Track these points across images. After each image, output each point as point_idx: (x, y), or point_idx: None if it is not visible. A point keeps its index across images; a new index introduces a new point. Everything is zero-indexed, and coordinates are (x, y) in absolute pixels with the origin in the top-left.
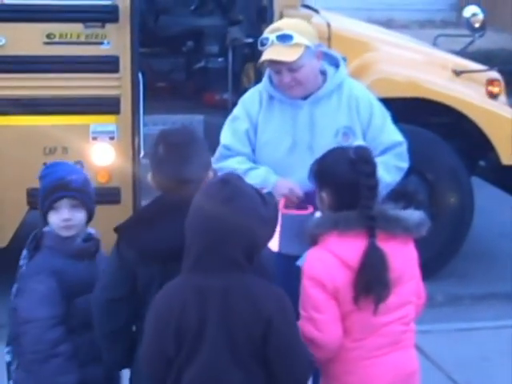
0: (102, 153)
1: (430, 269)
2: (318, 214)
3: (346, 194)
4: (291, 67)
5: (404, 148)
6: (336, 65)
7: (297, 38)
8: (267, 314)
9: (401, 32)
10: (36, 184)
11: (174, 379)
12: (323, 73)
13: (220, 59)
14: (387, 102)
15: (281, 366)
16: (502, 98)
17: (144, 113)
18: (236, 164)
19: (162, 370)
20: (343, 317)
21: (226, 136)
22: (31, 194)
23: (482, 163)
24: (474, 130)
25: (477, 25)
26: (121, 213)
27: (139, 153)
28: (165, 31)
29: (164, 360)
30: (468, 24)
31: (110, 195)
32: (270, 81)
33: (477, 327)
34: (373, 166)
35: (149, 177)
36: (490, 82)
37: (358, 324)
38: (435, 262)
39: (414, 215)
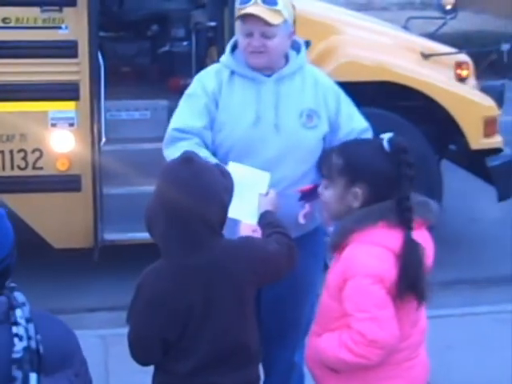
0: (62, 140)
1: None
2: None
3: (385, 187)
4: (265, 33)
5: (371, 133)
6: (297, 50)
7: (281, 6)
8: (258, 256)
9: (380, 14)
10: None
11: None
12: (285, 56)
13: (185, 43)
14: (354, 86)
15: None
16: (471, 81)
17: (106, 98)
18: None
19: (156, 348)
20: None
21: (179, 117)
22: None
23: (452, 147)
24: (443, 114)
25: (448, 7)
26: (81, 200)
27: (100, 139)
28: (129, 15)
29: (158, 340)
30: (439, 6)
31: (70, 183)
32: (232, 54)
33: (442, 315)
34: (411, 156)
35: None
36: (459, 65)
37: (406, 319)
38: None
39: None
